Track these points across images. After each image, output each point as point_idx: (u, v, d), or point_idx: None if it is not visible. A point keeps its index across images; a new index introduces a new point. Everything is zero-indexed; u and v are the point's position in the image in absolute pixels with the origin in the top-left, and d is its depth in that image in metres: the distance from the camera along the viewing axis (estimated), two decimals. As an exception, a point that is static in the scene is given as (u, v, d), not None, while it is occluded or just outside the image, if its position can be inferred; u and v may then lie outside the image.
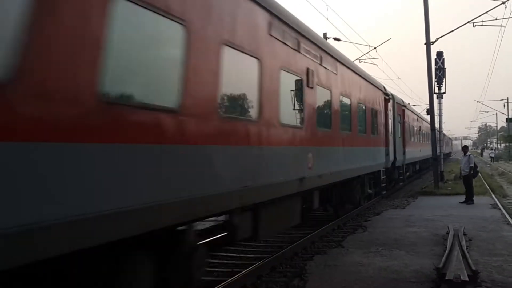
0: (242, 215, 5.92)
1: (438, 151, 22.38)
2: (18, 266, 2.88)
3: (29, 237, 2.88)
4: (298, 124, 7.71)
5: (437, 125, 24.12)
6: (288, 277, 7.15)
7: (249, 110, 6.01)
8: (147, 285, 4.34)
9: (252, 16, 6.04)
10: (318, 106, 8.70)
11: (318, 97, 8.58)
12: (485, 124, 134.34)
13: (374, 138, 13.95)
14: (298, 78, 7.60)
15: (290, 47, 7.22)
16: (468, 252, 8.02)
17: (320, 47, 8.84)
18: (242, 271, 6.98)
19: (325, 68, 9.09)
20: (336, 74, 9.91)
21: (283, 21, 6.91)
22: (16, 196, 2.82)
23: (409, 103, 28.43)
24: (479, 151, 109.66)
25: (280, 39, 6.77)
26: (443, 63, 24.15)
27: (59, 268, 3.61)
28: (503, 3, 20.23)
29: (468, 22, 22.05)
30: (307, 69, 7.97)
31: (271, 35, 6.48)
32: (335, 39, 23.97)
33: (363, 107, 12.61)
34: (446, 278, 6.37)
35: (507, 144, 69.79)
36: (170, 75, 4.39)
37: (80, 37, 3.33)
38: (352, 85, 11.38)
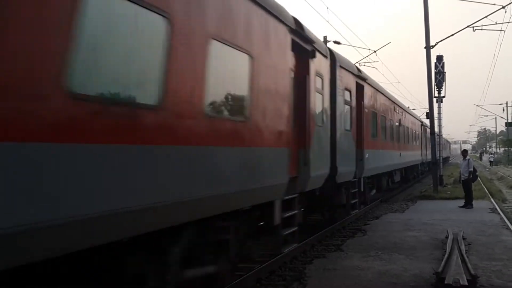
0: None
1: (437, 155, 22.39)
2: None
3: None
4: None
5: (436, 129, 24.13)
6: (288, 281, 7.16)
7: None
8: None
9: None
10: None
11: None
12: (484, 128, 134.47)
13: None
14: None
15: None
16: (467, 257, 8.02)
17: None
18: (241, 274, 6.97)
19: None
20: None
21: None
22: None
23: (409, 107, 28.51)
24: (478, 155, 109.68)
25: None
26: (443, 67, 24.21)
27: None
28: (503, 7, 20.33)
29: (468, 26, 22.12)
30: None
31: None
32: (335, 42, 24.05)
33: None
34: (446, 282, 6.38)
35: (506, 148, 69.85)
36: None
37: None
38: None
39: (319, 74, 8.83)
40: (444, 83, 24.27)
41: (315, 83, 8.51)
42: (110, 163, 3.54)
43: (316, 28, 9.06)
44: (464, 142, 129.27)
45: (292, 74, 7.50)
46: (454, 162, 66.81)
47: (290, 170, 7.13)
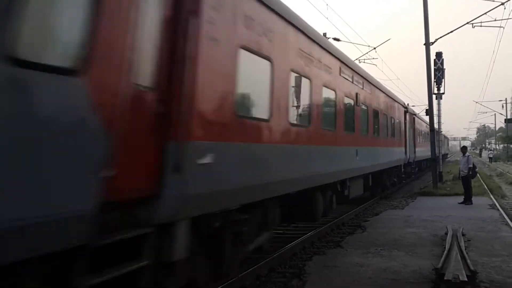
0: None
1: (437, 151, 22.39)
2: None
3: None
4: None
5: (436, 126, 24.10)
6: (287, 278, 7.15)
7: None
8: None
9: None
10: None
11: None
12: (484, 125, 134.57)
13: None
14: None
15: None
16: (467, 253, 8.03)
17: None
18: (241, 271, 6.97)
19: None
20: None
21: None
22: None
23: (408, 104, 28.40)
24: (477, 151, 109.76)
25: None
26: (442, 63, 24.20)
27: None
28: (502, 4, 20.28)
29: (467, 23, 22.13)
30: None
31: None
32: (335, 39, 23.93)
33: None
34: (445, 278, 6.38)
35: (506, 144, 69.90)
36: None
37: None
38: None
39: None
40: (443, 79, 24.26)
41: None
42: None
43: (315, 25, 9.02)
44: (464, 138, 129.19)
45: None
46: (453, 160, 65.37)
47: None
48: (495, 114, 74.58)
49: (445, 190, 20.01)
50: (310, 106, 8.05)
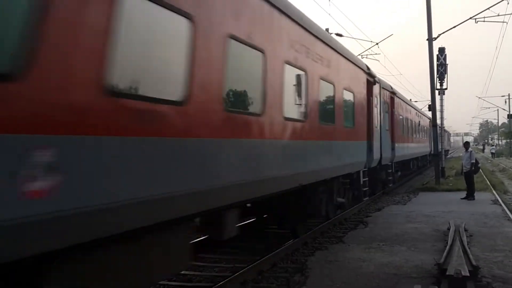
0: None
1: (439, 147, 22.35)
2: None
3: None
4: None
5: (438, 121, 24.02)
6: (289, 273, 7.18)
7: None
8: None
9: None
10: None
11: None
12: (486, 120, 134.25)
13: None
14: None
15: None
16: (469, 248, 8.03)
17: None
18: (243, 267, 7.01)
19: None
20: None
21: None
22: None
23: (410, 99, 28.36)
24: (480, 147, 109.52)
25: None
26: (445, 59, 24.06)
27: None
28: (506, -1, 20.16)
29: (470, 18, 21.99)
30: None
31: None
32: (337, 34, 23.88)
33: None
34: (447, 273, 6.38)
35: (508, 140, 69.70)
36: None
37: None
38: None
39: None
40: (446, 75, 24.14)
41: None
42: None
43: (318, 21, 8.99)
44: (466, 134, 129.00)
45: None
46: (456, 156, 63.72)
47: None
48: (498, 110, 74.40)
49: (447, 186, 20.00)
50: None
